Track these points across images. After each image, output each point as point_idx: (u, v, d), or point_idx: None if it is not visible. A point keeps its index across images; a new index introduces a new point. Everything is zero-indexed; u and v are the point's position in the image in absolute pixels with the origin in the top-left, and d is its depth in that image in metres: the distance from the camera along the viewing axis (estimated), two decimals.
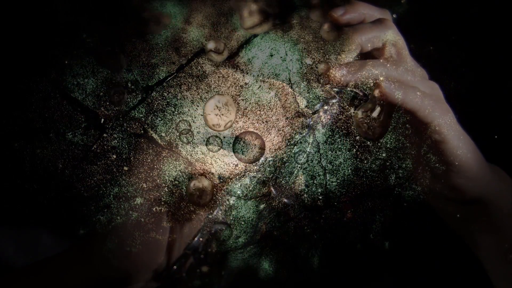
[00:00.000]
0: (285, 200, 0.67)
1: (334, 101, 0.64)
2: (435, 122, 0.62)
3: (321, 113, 0.65)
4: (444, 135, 0.62)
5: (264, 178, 0.67)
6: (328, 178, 0.67)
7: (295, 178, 0.67)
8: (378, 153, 0.66)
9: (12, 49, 0.70)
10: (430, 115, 0.61)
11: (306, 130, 0.65)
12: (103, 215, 0.66)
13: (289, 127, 0.66)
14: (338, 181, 0.67)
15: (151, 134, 0.61)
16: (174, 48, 0.66)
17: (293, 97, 0.65)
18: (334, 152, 0.67)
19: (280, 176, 0.67)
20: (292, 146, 0.66)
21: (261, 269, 0.70)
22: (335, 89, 0.64)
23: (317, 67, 0.64)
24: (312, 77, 0.64)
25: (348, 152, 0.67)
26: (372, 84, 0.61)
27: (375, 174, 0.68)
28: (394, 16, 0.71)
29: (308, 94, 0.65)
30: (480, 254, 0.69)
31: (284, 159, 0.66)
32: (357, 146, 0.66)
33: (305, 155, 0.66)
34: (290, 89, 0.65)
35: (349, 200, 0.68)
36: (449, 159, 0.63)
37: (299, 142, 0.66)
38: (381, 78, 0.61)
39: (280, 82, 0.66)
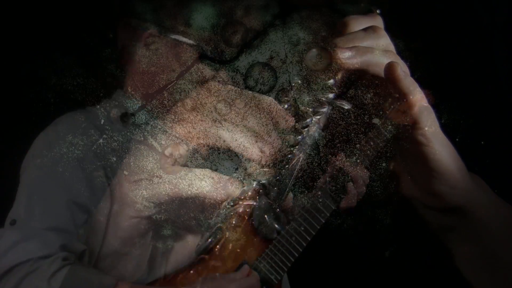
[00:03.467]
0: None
1: (324, 110, 0.63)
2: (422, 123, 0.61)
3: (311, 125, 0.64)
4: (428, 140, 0.62)
5: (264, 181, 0.66)
6: (328, 181, 0.67)
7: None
8: (378, 162, 0.66)
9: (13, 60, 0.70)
10: (418, 113, 0.61)
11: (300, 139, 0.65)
12: (102, 216, 0.65)
13: (289, 130, 0.65)
14: (338, 186, 0.67)
15: (151, 142, 0.60)
16: (174, 54, 0.65)
17: (293, 99, 0.65)
18: (334, 156, 0.67)
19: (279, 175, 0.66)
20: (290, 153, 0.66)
21: None
22: (325, 99, 0.63)
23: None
24: (312, 79, 0.64)
25: (347, 159, 0.66)
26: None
27: (375, 183, 0.68)
28: (378, 11, 0.71)
29: (308, 97, 0.65)
30: (460, 263, 0.68)
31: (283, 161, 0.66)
32: (357, 154, 0.66)
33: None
34: (290, 92, 0.65)
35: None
36: (431, 164, 0.62)
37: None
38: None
39: (280, 85, 0.65)
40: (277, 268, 0.67)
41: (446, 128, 0.78)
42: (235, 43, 0.67)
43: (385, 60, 0.60)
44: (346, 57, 0.58)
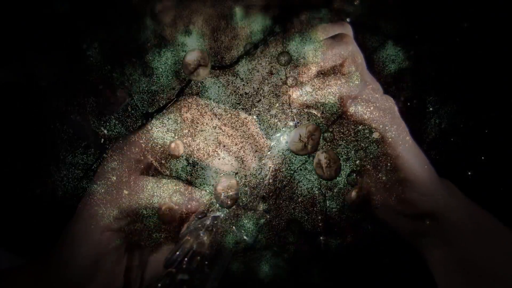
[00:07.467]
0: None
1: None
2: (388, 136, 0.62)
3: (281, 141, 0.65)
4: (397, 150, 0.63)
5: (264, 194, 0.66)
6: (328, 204, 0.67)
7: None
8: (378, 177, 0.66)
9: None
10: (383, 129, 0.62)
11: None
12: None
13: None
14: (338, 207, 0.67)
15: (151, 161, 0.59)
16: (174, 71, 0.65)
17: (292, 121, 0.65)
18: None
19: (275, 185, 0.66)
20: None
21: (260, 271, 0.71)
22: (294, 110, 0.63)
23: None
24: (313, 104, 0.64)
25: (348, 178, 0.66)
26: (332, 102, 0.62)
27: (375, 197, 0.68)
28: (348, 20, 0.71)
29: (308, 121, 0.65)
30: (433, 267, 0.69)
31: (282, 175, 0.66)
32: (356, 172, 0.66)
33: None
34: (290, 113, 0.64)
35: (349, 225, 0.67)
36: (402, 173, 0.64)
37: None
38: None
39: (280, 104, 0.65)
40: None
41: (446, 130, 0.78)
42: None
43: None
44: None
